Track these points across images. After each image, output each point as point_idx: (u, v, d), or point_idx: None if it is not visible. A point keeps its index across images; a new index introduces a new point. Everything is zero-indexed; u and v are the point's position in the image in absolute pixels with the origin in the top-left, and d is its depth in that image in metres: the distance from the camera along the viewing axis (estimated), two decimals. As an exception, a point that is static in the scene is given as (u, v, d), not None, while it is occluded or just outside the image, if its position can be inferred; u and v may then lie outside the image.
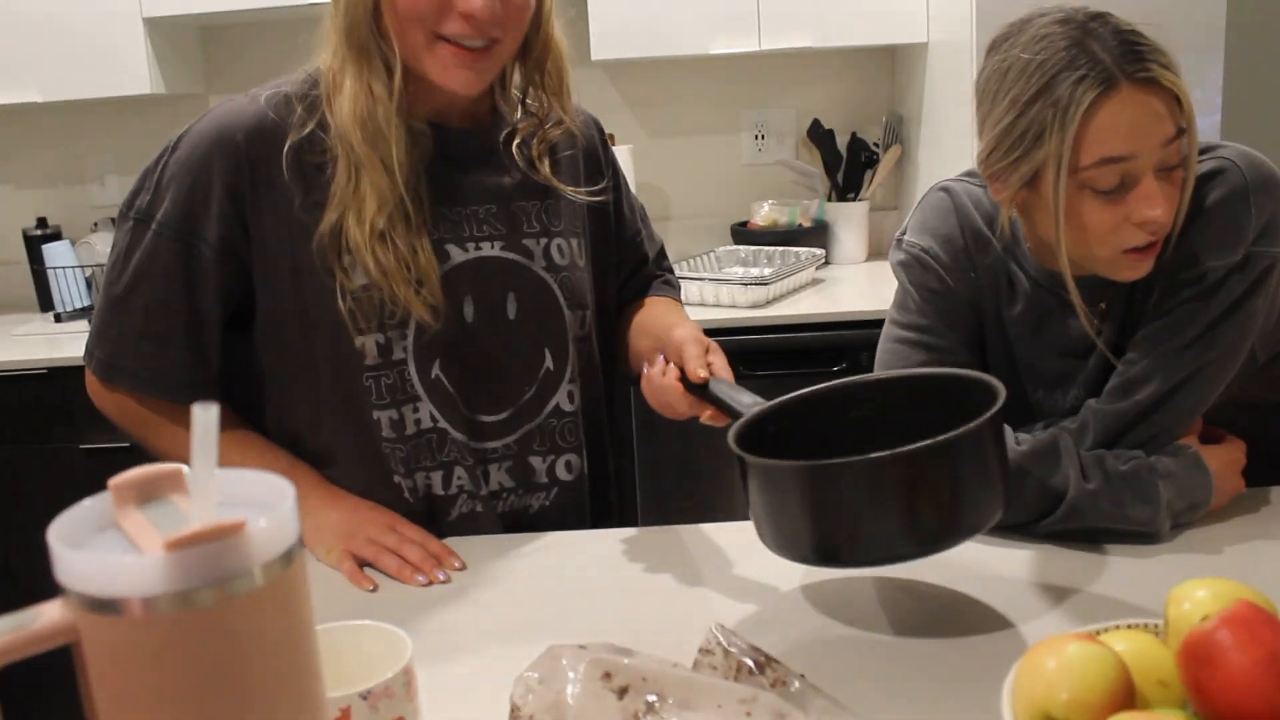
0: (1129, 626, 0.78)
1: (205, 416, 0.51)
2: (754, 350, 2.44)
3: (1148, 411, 1.12)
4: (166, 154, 1.16)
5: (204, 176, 1.13)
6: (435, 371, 1.18)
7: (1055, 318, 1.20)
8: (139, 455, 1.24)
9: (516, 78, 1.24)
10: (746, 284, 2.54)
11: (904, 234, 1.27)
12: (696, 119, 3.13)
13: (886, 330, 1.27)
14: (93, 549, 0.54)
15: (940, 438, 0.85)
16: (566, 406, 1.26)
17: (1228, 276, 1.10)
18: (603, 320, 1.33)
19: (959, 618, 0.98)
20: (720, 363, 1.10)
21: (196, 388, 1.18)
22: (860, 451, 0.88)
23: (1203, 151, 1.12)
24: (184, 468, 0.59)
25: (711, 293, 2.57)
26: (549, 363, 1.24)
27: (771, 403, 1.03)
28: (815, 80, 3.11)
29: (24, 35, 2.76)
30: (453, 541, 1.19)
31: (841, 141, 3.06)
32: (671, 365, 1.10)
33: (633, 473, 2.24)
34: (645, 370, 1.13)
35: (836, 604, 1.01)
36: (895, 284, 1.27)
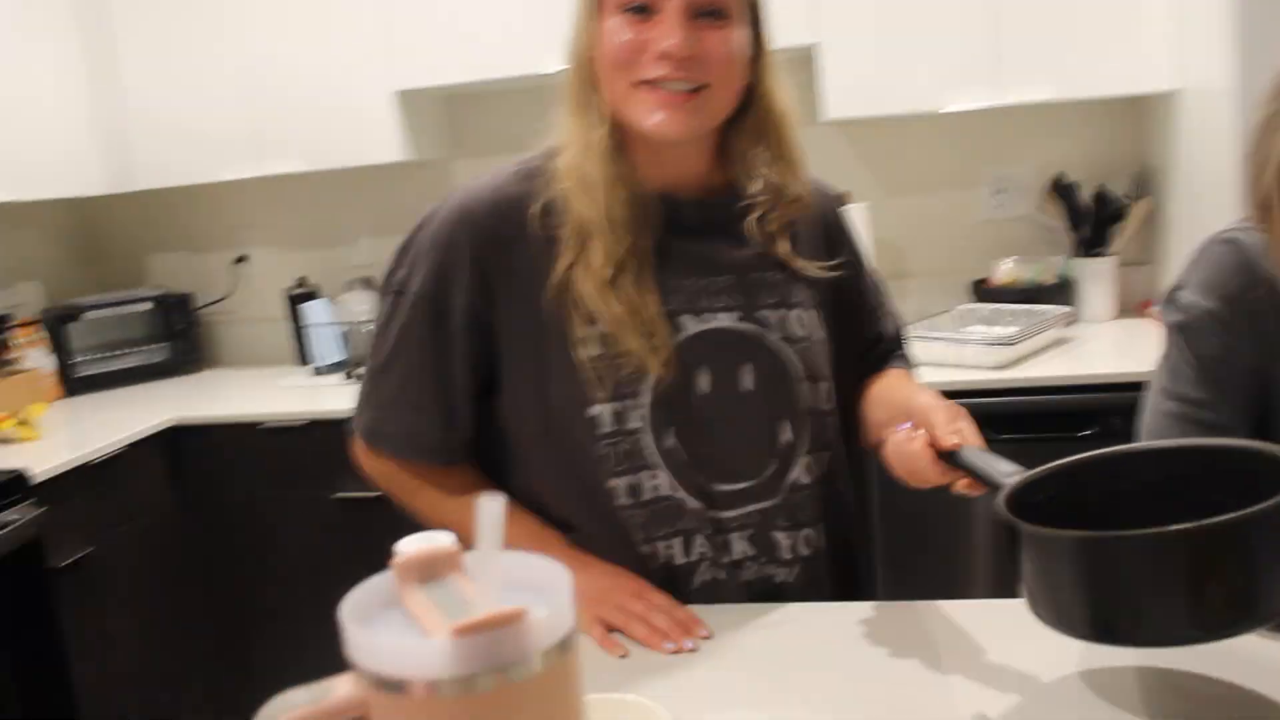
0: None
1: (492, 507, 0.52)
2: (998, 414, 2.33)
3: None
4: (418, 230, 1.23)
5: (453, 251, 1.18)
6: (670, 440, 1.18)
7: None
8: (388, 505, 1.31)
9: (742, 145, 1.23)
10: (991, 344, 2.44)
11: (1180, 289, 1.17)
12: (933, 175, 3.07)
13: (1155, 400, 1.17)
14: (382, 627, 0.56)
15: (1234, 515, 0.78)
16: (804, 480, 1.23)
17: None
18: (841, 394, 1.30)
19: (1238, 712, 0.88)
20: (969, 429, 1.05)
21: (449, 452, 1.23)
22: (1137, 526, 0.81)
23: None
24: (458, 547, 0.60)
25: (954, 353, 2.49)
26: (788, 435, 1.22)
27: (1036, 470, 0.97)
28: (1057, 133, 2.98)
29: (288, 109, 3.00)
30: (697, 610, 1.18)
31: (1086, 195, 2.92)
32: (920, 432, 1.06)
33: (871, 546, 2.17)
34: (890, 437, 1.09)
35: (1102, 690, 0.94)
36: (1149, 342, 1.18)
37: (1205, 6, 2.32)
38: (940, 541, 2.22)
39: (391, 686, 0.53)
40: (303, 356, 3.31)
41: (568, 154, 1.16)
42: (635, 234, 1.16)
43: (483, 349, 1.21)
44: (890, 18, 2.66)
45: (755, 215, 1.23)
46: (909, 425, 1.07)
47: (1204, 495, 0.85)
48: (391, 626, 0.57)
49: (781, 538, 1.22)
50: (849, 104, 2.68)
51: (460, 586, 0.59)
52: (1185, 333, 1.14)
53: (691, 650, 1.10)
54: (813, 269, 1.25)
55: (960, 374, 2.41)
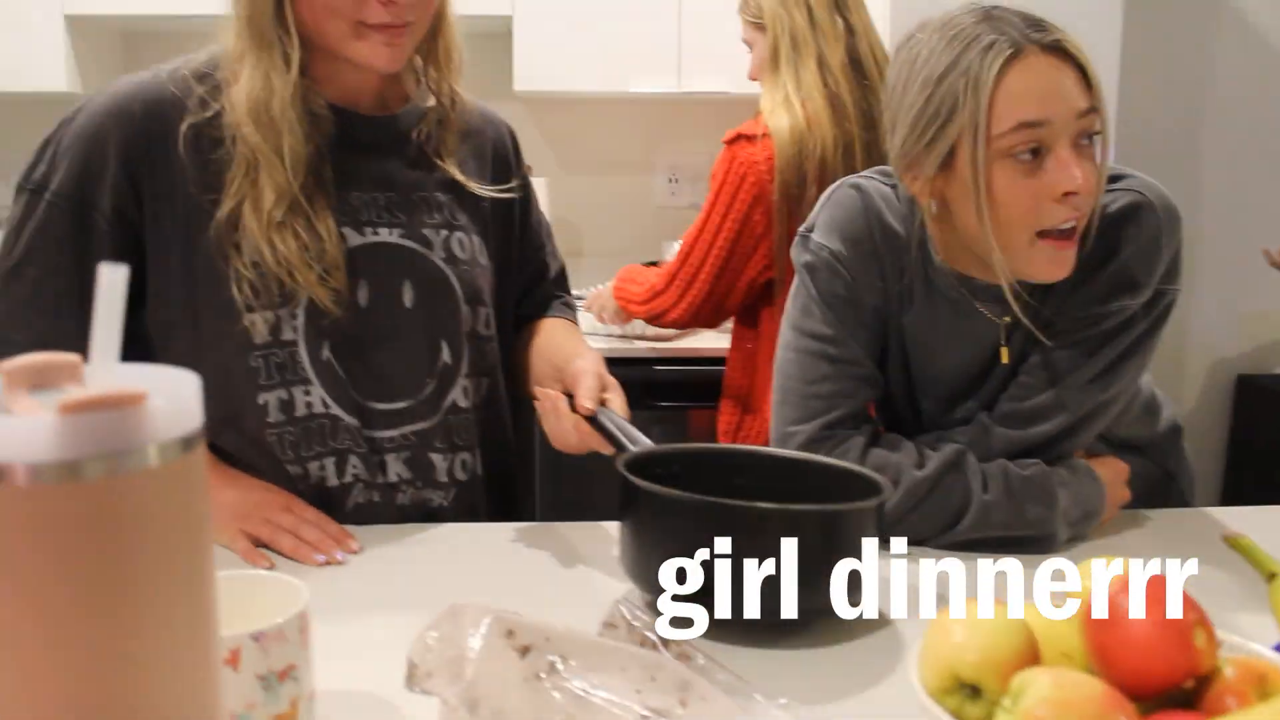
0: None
1: (113, 277, 0.48)
2: (661, 382, 2.46)
3: (1050, 442, 1.15)
4: (63, 125, 1.14)
5: (99, 147, 1.11)
6: (326, 354, 1.15)
7: (959, 328, 1.18)
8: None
9: (418, 60, 1.23)
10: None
11: (810, 231, 1.22)
12: (612, 157, 3.16)
13: (787, 336, 1.22)
14: (-23, 419, 0.51)
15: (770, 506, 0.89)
16: (463, 403, 1.23)
17: (1135, 314, 1.13)
18: (501, 322, 1.32)
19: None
20: (618, 401, 1.09)
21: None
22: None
23: (1113, 178, 1.14)
24: (79, 359, 0.56)
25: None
26: (445, 356, 1.21)
27: (662, 446, 1.04)
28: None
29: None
30: (351, 529, 1.15)
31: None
32: (562, 396, 1.10)
33: (532, 477, 2.21)
34: (541, 396, 1.12)
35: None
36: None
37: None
38: (605, 479, 2.29)
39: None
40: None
41: (243, 90, 1.11)
42: (310, 161, 1.13)
43: (129, 254, 1.13)
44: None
45: (424, 132, 1.22)
46: (557, 392, 1.12)
47: (801, 500, 0.95)
48: (-11, 420, 0.51)
49: (438, 460, 1.22)
50: (538, 78, 2.72)
51: (75, 393, 0.54)
52: (813, 272, 1.20)
53: (341, 563, 1.08)
54: (478, 190, 1.25)
55: (624, 344, 2.51)
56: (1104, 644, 0.66)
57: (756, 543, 0.87)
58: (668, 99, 3.01)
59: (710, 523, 0.89)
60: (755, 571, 0.87)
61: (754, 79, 2.09)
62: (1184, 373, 3.16)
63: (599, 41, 2.74)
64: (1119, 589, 0.67)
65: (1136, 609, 0.66)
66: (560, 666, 0.75)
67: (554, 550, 1.13)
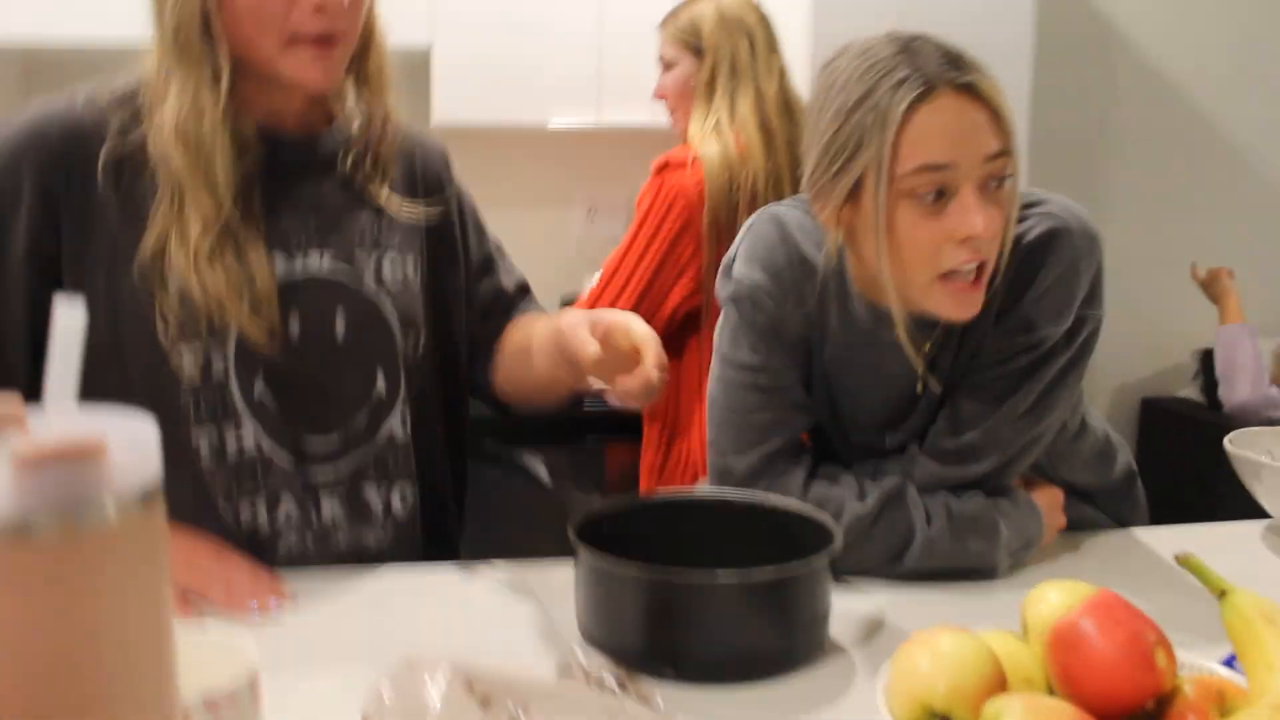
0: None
1: (71, 314, 0.46)
2: (576, 418, 2.46)
3: (986, 478, 1.15)
4: None
5: (13, 177, 1.06)
6: (259, 388, 1.12)
7: (879, 360, 1.18)
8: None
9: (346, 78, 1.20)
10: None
11: (732, 263, 1.21)
12: (531, 191, 3.16)
13: (718, 369, 1.21)
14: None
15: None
16: (399, 433, 1.20)
17: (1058, 343, 1.13)
18: (447, 347, 1.29)
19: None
20: (639, 327, 1.04)
21: None
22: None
23: (1028, 205, 1.14)
24: (22, 404, 0.53)
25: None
26: (380, 386, 1.19)
27: (609, 502, 1.08)
28: (650, 159, 3.18)
29: None
30: (286, 575, 1.11)
31: (673, 221, 3.13)
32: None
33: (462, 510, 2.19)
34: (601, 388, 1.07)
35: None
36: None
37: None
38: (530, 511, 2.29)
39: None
40: None
41: (170, 111, 1.06)
42: (238, 188, 1.09)
43: (46, 291, 1.08)
44: (503, 30, 2.73)
45: (352, 153, 1.20)
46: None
47: (752, 546, 0.98)
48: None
49: (371, 494, 1.19)
50: (457, 110, 2.70)
51: (20, 443, 0.51)
52: (738, 303, 1.19)
53: (274, 610, 1.05)
54: (406, 211, 1.22)
55: None
56: (1068, 668, 0.67)
57: (715, 608, 0.89)
58: (587, 132, 3.02)
59: (668, 592, 0.90)
60: (716, 632, 0.88)
61: (661, 97, 2.09)
62: (1091, 398, 3.25)
63: (519, 74, 2.74)
64: (1079, 613, 0.68)
65: (1098, 632, 0.67)
66: (522, 716, 0.73)
67: (500, 592, 1.10)
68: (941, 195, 1.02)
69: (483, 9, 2.72)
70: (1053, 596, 0.75)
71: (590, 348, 1.02)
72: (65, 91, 1.12)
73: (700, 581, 0.89)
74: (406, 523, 1.22)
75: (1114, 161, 3.26)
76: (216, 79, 1.07)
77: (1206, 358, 2.95)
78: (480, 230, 1.37)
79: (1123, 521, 1.33)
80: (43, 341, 1.07)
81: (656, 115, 2.76)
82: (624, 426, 2.34)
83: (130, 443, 0.49)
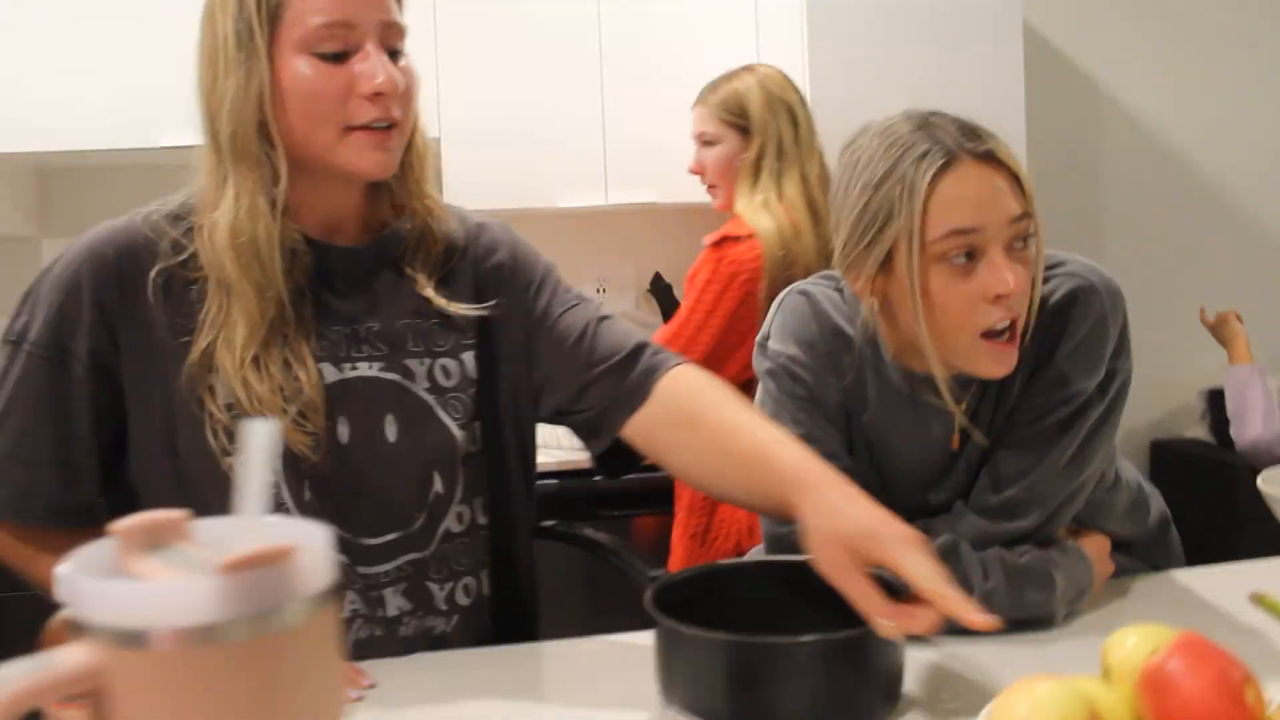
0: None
1: (264, 432, 0.50)
2: (597, 494, 2.47)
3: (1032, 532, 1.18)
4: (43, 275, 1.13)
5: (75, 293, 1.10)
6: (308, 495, 1.13)
7: (917, 422, 1.22)
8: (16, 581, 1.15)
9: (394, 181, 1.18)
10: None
11: (767, 339, 1.26)
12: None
13: None
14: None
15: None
16: (455, 529, 1.21)
17: (1091, 396, 1.18)
18: (521, 435, 1.28)
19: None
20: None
21: (72, 514, 1.11)
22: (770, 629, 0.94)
23: (1050, 266, 1.20)
24: (186, 516, 0.57)
25: (549, 434, 2.57)
26: (438, 486, 1.19)
27: (683, 571, 1.10)
28: (656, 236, 3.26)
29: None
30: (359, 665, 1.13)
31: (679, 293, 3.19)
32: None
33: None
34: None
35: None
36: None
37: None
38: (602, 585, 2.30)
39: (131, 640, 0.48)
40: None
41: (225, 214, 1.07)
42: (289, 300, 1.10)
43: (109, 400, 1.11)
44: (508, 119, 2.81)
45: (403, 258, 1.19)
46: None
47: (819, 608, 0.99)
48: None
49: (435, 589, 1.19)
50: (467, 196, 2.75)
51: (192, 552, 0.55)
52: (775, 378, 1.24)
53: (358, 700, 1.06)
54: (460, 310, 1.20)
55: (557, 454, 2.46)
56: (1163, 709, 0.70)
57: (798, 669, 0.92)
58: (595, 211, 3.08)
59: (753, 655, 0.92)
60: (799, 692, 0.91)
61: (699, 172, 2.13)
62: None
63: (526, 159, 2.81)
64: (1167, 654, 0.72)
65: (1187, 672, 0.70)
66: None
67: (577, 669, 1.12)
68: (972, 256, 1.08)
69: (488, 100, 2.81)
70: (1132, 640, 0.79)
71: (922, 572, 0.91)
72: (127, 214, 1.15)
73: (784, 643, 0.92)
74: (475, 609, 1.22)
75: (1106, 214, 3.34)
76: (275, 181, 1.08)
77: (1213, 398, 3.00)
78: (564, 302, 1.26)
79: (1158, 567, 1.37)
80: (108, 451, 1.11)
81: (664, 192, 2.85)
82: (646, 500, 2.37)
83: (308, 546, 0.52)
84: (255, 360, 1.08)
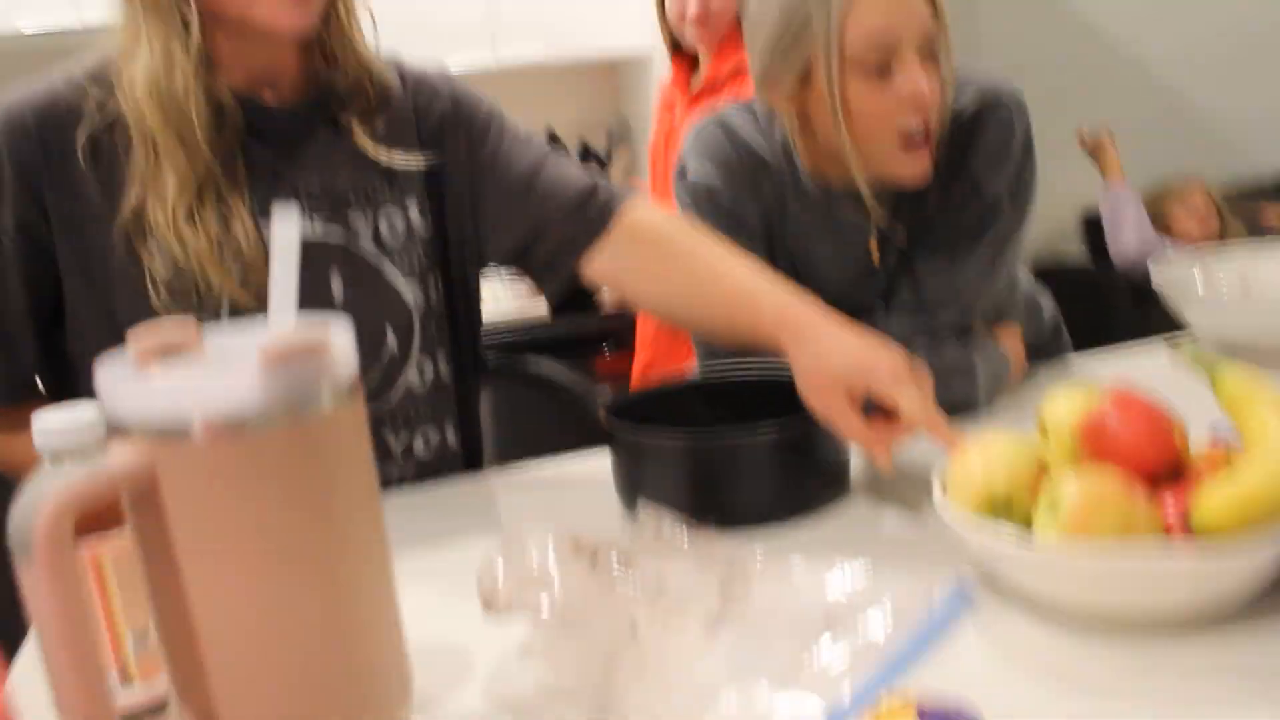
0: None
1: (287, 225, 0.51)
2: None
3: (952, 326, 1.25)
4: None
5: None
6: None
7: (837, 238, 1.28)
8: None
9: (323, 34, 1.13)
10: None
11: (685, 168, 1.28)
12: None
13: None
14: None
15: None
16: (417, 384, 1.20)
17: (1002, 199, 1.24)
18: (468, 287, 1.27)
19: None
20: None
21: (11, 389, 1.10)
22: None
23: (960, 80, 1.24)
24: (197, 327, 0.57)
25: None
26: (390, 344, 1.17)
27: (638, 390, 1.15)
28: (546, 93, 3.22)
29: None
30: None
31: (573, 149, 3.19)
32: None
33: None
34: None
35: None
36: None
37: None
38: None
39: (176, 434, 0.49)
40: None
41: (140, 65, 1.04)
42: (217, 151, 1.07)
43: (41, 271, 1.08)
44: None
45: (340, 111, 1.16)
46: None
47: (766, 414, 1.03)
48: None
49: (392, 440, 1.20)
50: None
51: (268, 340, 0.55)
52: (696, 200, 1.28)
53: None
54: (401, 161, 1.17)
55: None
56: (1103, 453, 0.77)
57: (752, 463, 0.98)
58: (484, 74, 3.02)
59: (710, 454, 0.98)
60: (753, 483, 0.97)
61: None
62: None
63: (413, 17, 2.73)
64: (1103, 407, 0.79)
65: (1123, 421, 0.77)
66: (628, 568, 0.80)
67: (548, 487, 1.16)
68: (887, 65, 1.13)
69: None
70: (1063, 400, 0.85)
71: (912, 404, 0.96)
72: (40, 77, 1.09)
73: (741, 442, 0.98)
74: (430, 462, 1.23)
75: (984, 40, 3.41)
76: (187, 28, 1.03)
77: (1090, 225, 3.14)
78: (512, 142, 1.24)
79: None
80: (42, 316, 1.09)
81: (553, 52, 2.81)
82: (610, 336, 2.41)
83: (335, 341, 0.54)
84: (190, 215, 1.05)
